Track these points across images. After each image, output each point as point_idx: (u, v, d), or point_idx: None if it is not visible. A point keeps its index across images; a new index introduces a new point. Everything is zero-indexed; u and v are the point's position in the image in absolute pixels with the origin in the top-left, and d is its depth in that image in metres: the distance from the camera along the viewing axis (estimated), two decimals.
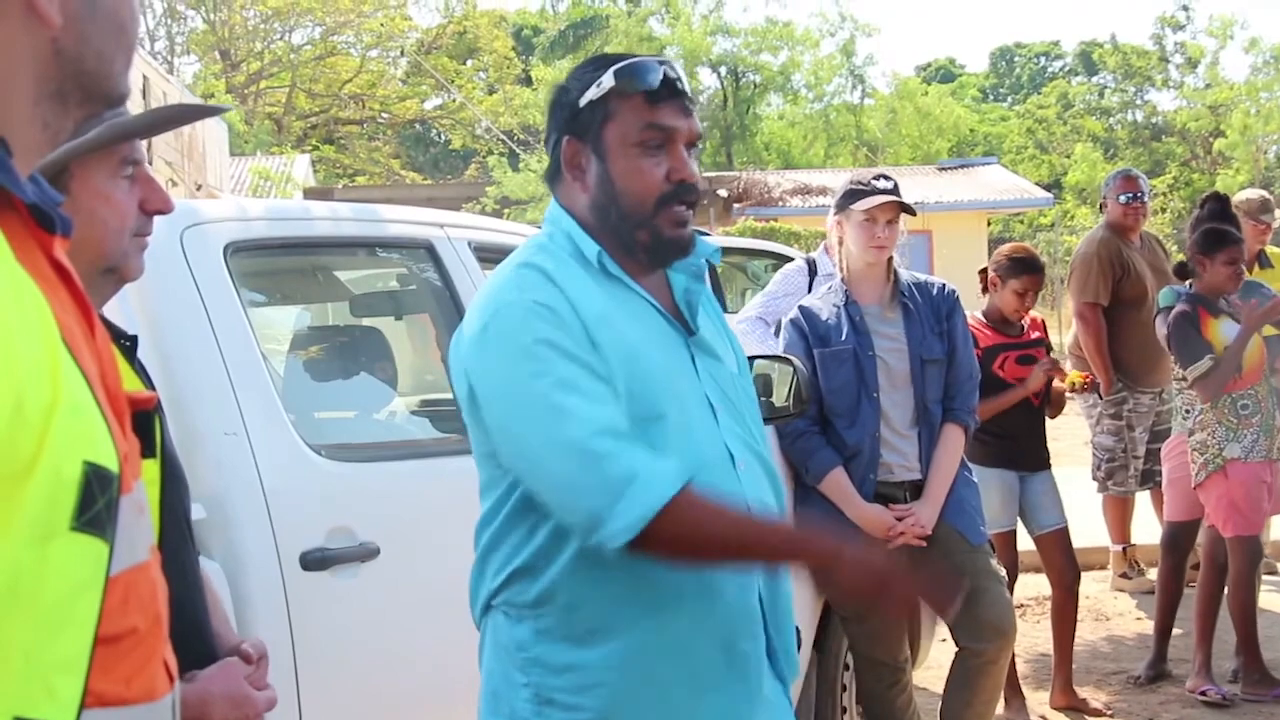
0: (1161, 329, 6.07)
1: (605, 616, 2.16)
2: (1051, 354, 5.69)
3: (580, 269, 2.24)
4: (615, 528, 2.06)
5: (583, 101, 2.24)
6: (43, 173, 1.71)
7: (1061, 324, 26.50)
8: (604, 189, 2.24)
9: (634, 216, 2.23)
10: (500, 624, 2.25)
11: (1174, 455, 6.19)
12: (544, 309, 2.14)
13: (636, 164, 2.22)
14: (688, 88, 2.27)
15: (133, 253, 1.99)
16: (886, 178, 4.49)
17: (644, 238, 2.24)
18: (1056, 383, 5.63)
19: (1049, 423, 5.77)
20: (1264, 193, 7.89)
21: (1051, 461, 5.77)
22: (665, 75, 2.22)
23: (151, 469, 1.79)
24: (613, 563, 2.13)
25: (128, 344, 2.01)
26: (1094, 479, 7.49)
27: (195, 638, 2.01)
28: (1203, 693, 5.77)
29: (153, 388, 2.13)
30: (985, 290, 5.70)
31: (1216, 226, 6.09)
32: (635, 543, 2.07)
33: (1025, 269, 5.56)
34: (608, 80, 2.22)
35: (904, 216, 4.44)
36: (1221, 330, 5.72)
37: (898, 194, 4.38)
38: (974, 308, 5.51)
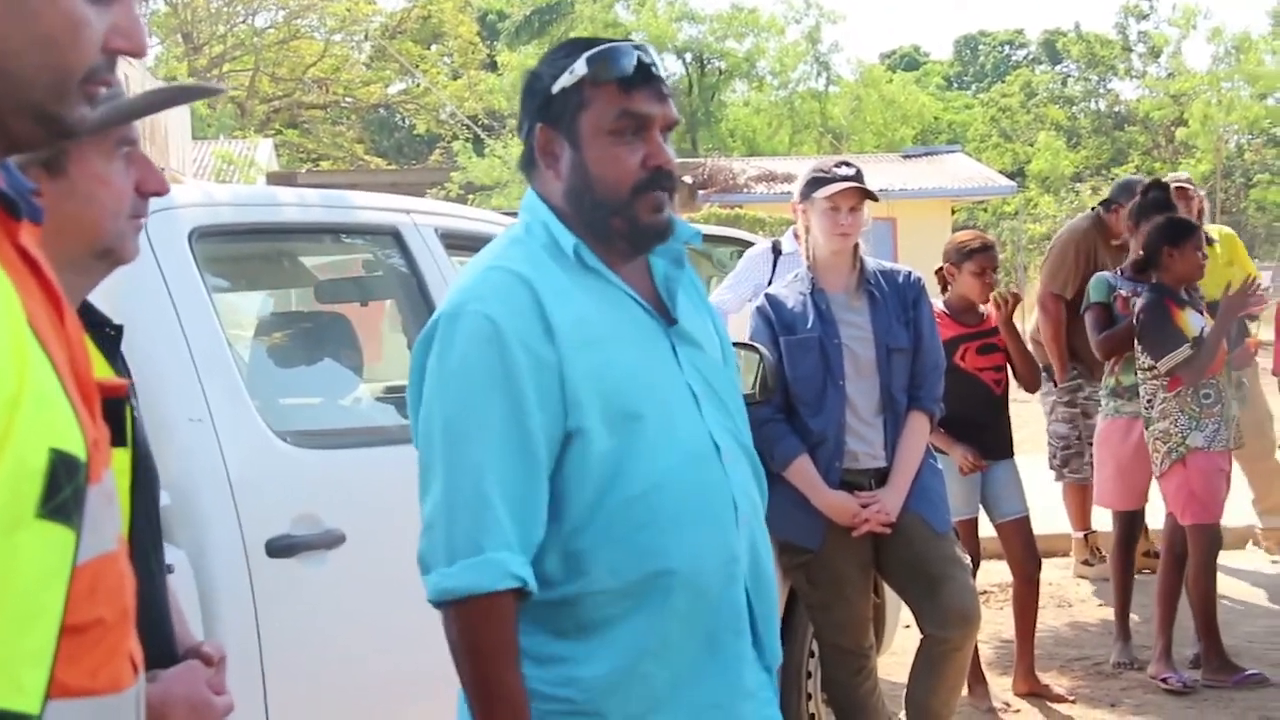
0: (1093, 330, 6.12)
1: (594, 611, 2.15)
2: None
3: (555, 264, 2.20)
4: (429, 582, 2.11)
5: (555, 89, 2.20)
6: (39, 153, 1.68)
7: (1025, 311, 26.63)
8: (579, 177, 2.21)
9: (609, 204, 2.20)
10: None
11: (1110, 443, 6.25)
12: (493, 329, 2.10)
13: (611, 151, 2.18)
14: (663, 73, 2.24)
15: (128, 234, 1.96)
16: (849, 164, 4.49)
17: (620, 225, 2.21)
18: (995, 297, 5.58)
19: (1013, 410, 5.79)
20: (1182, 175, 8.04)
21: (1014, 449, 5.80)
22: (639, 61, 2.18)
23: (122, 458, 1.77)
24: (596, 565, 2.14)
25: (112, 333, 1.98)
26: (1051, 468, 7.58)
27: (157, 636, 1.99)
28: (1164, 679, 5.82)
29: (130, 377, 2.12)
30: (945, 289, 5.71)
31: (1177, 216, 6.14)
32: (438, 606, 2.12)
33: (974, 251, 5.57)
34: (580, 67, 2.17)
35: (869, 204, 4.45)
36: (1189, 320, 5.74)
37: (860, 180, 4.39)
38: (937, 298, 5.52)
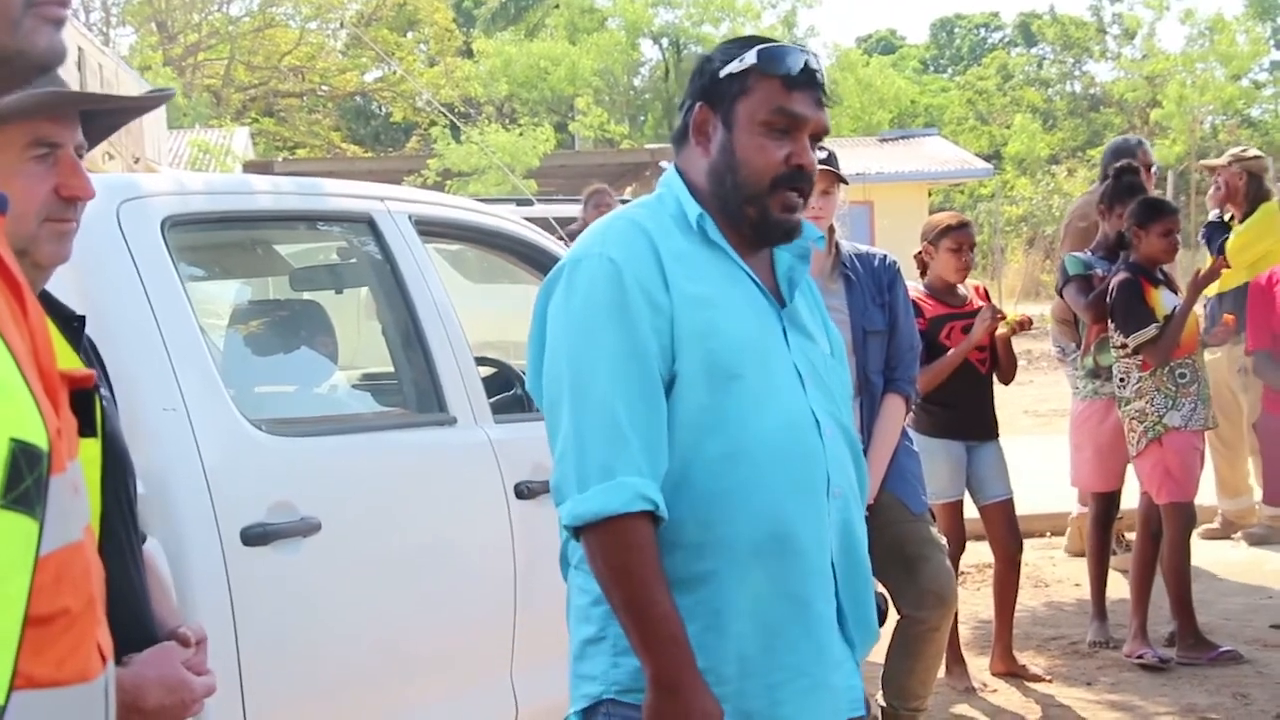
0: (1077, 297, 6.15)
1: (684, 570, 2.20)
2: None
3: (679, 231, 2.31)
4: (564, 509, 2.18)
5: (723, 73, 2.32)
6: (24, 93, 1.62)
7: (1003, 293, 26.69)
8: (725, 158, 2.32)
9: (746, 190, 2.30)
10: (580, 582, 2.31)
11: (1088, 425, 6.29)
12: (615, 270, 2.21)
13: (759, 141, 2.29)
14: (826, 81, 2.34)
15: (44, 238, 1.90)
16: (821, 147, 4.49)
17: (752, 213, 2.30)
18: (1000, 329, 5.63)
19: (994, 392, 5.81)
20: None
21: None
22: (806, 64, 2.29)
23: (91, 448, 1.75)
24: (690, 519, 2.19)
25: (76, 324, 1.96)
26: None
27: (135, 623, 1.99)
28: (1139, 656, 5.85)
29: (102, 366, 2.10)
30: (924, 272, 5.72)
31: (1152, 198, 6.16)
32: (576, 535, 2.19)
33: (950, 228, 5.60)
34: (750, 57, 2.29)
35: (845, 187, 4.45)
36: (1162, 299, 5.78)
37: (831, 163, 4.39)
38: (917, 281, 5.53)
